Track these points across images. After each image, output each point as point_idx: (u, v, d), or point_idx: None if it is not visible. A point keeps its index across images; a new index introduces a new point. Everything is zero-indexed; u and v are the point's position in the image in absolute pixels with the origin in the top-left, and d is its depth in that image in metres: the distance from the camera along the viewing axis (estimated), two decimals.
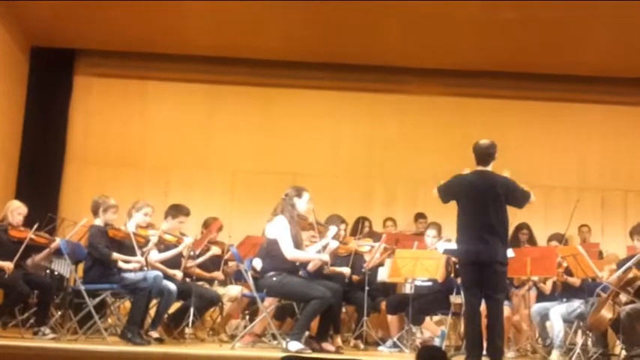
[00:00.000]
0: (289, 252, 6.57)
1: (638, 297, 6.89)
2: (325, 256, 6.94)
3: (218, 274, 7.89)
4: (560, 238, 8.06)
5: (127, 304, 7.12)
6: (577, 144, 10.33)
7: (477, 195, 6.25)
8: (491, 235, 6.16)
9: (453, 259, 7.33)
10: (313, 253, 6.91)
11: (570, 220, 7.66)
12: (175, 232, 7.29)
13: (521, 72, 10.12)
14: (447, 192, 6.41)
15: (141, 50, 10.12)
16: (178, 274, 7.23)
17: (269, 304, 7.01)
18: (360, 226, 8.85)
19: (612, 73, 10.06)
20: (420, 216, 9.58)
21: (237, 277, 8.06)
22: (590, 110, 10.39)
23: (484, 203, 6.21)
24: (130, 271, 6.75)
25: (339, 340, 7.01)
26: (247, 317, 7.80)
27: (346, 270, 7.47)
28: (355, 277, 7.66)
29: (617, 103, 10.38)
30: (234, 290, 7.85)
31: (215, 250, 7.71)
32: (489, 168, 6.37)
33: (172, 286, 6.91)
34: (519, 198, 6.31)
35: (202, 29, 9.37)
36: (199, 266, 7.70)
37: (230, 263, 8.19)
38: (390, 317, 7.78)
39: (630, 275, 6.84)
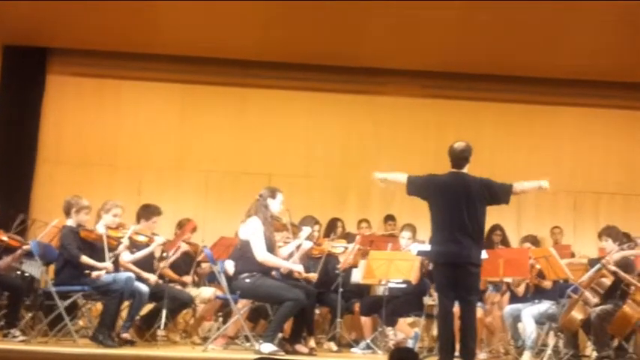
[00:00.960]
0: (260, 255, 6.54)
1: (608, 298, 6.97)
2: (299, 267, 6.92)
3: (187, 279, 7.82)
4: (533, 240, 8.12)
5: (99, 306, 7.07)
6: (551, 146, 10.40)
7: (451, 196, 6.25)
8: (465, 237, 6.18)
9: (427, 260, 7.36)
10: (285, 262, 6.85)
11: None
12: (147, 232, 7.22)
13: (496, 74, 10.18)
14: (418, 187, 6.38)
15: (115, 49, 10.02)
16: (152, 277, 7.18)
17: (242, 306, 6.99)
18: (333, 228, 8.84)
19: (587, 75, 10.13)
20: (389, 218, 9.61)
21: (211, 279, 8.02)
22: (564, 113, 10.47)
23: (458, 205, 6.22)
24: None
25: (312, 342, 6.99)
26: (220, 319, 7.76)
27: (313, 275, 7.41)
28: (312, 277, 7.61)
29: (591, 105, 10.47)
30: (207, 292, 7.80)
31: (185, 247, 7.65)
32: (464, 170, 6.39)
33: (144, 288, 6.86)
34: (500, 193, 6.30)
35: (177, 28, 9.30)
36: (171, 267, 7.65)
37: (203, 265, 8.16)
38: (363, 319, 7.81)
39: (600, 276, 6.92)
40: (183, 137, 10.25)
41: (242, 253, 6.64)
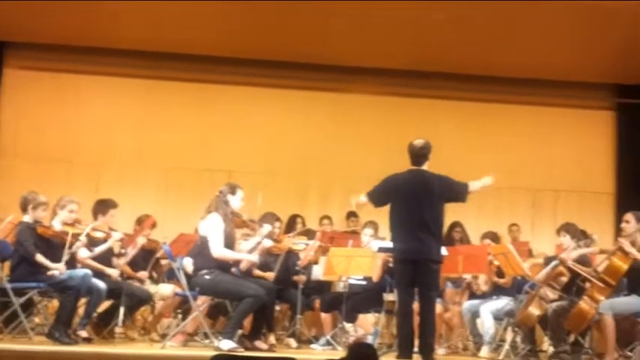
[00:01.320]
0: (217, 250, 6.49)
1: (565, 293, 7.07)
2: (254, 257, 6.90)
3: (142, 275, 7.75)
4: (493, 236, 8.19)
5: (55, 303, 6.96)
6: (510, 144, 10.50)
7: (411, 193, 6.30)
8: (425, 233, 6.23)
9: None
10: (241, 254, 6.82)
11: None
12: (104, 228, 7.13)
13: (457, 73, 10.25)
14: (381, 195, 6.42)
15: (75, 44, 9.90)
16: (115, 272, 7.10)
17: (202, 303, 6.95)
18: (293, 224, 8.83)
19: (546, 75, 10.27)
20: (351, 214, 9.62)
21: (170, 276, 7.95)
22: (523, 111, 10.58)
23: (418, 201, 6.27)
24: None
25: (272, 339, 7.00)
26: (180, 316, 7.70)
27: (269, 274, 7.41)
28: (300, 278, 7.63)
29: (550, 104, 10.59)
30: (166, 289, 7.74)
31: (142, 241, 7.58)
32: (424, 167, 6.43)
33: (102, 285, 6.78)
34: (458, 191, 6.39)
35: (138, 24, 9.23)
36: (130, 264, 7.58)
37: (163, 261, 8.09)
38: (323, 315, 7.82)
39: (556, 273, 7.01)
40: (143, 133, 10.16)
41: (201, 250, 6.59)
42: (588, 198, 10.49)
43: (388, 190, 6.40)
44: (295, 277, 7.58)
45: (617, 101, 10.72)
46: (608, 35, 9.01)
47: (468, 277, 8.05)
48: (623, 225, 6.88)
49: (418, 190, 6.30)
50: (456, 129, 10.41)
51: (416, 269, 6.24)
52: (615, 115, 10.73)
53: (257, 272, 7.36)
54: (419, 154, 6.40)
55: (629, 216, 6.86)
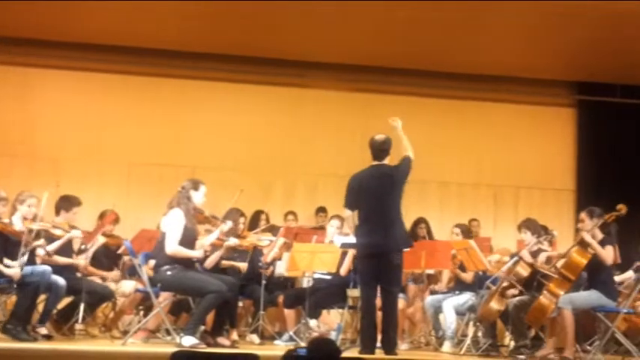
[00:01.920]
0: (170, 247, 6.43)
1: (525, 289, 7.14)
2: (199, 253, 6.81)
3: (114, 275, 7.65)
4: (464, 229, 8.26)
5: (15, 299, 6.83)
6: (472, 141, 10.58)
7: (373, 189, 6.36)
8: (388, 228, 6.29)
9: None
10: (192, 252, 6.70)
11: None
12: (64, 226, 7.03)
13: (418, 69, 10.31)
14: (351, 199, 6.44)
15: (35, 37, 9.72)
16: (82, 261, 6.99)
17: (163, 299, 6.89)
18: (257, 220, 8.81)
19: (507, 72, 10.37)
20: (320, 210, 9.63)
21: (132, 272, 7.88)
22: (485, 108, 10.66)
23: (381, 197, 6.33)
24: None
25: (235, 335, 6.96)
26: (141, 313, 7.63)
27: (243, 265, 7.40)
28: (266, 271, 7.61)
29: (512, 101, 10.69)
30: (127, 285, 7.66)
31: (101, 239, 7.49)
32: (385, 162, 6.47)
33: (62, 281, 6.68)
34: (404, 169, 6.44)
35: (97, 17, 9.10)
36: (93, 260, 7.48)
37: (125, 258, 8.01)
38: (287, 311, 7.80)
39: (517, 268, 7.08)
40: (105, 128, 10.03)
41: (163, 245, 6.53)
42: (549, 194, 10.62)
43: (354, 192, 6.45)
44: (261, 270, 7.53)
45: (577, 98, 10.86)
46: (569, 33, 9.12)
47: (431, 272, 8.13)
48: (580, 225, 6.98)
49: (380, 185, 6.36)
50: (419, 125, 10.35)
51: (379, 264, 6.29)
52: (576, 112, 10.87)
53: (226, 263, 7.31)
54: (380, 149, 6.45)
55: (583, 215, 6.96)
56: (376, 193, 6.33)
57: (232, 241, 7.27)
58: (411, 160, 6.44)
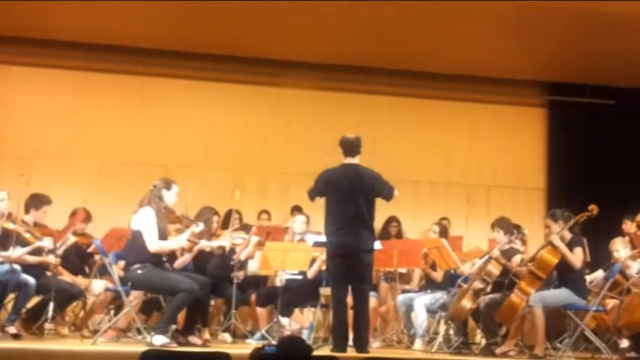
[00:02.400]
0: (153, 244, 6.40)
1: (496, 287, 7.19)
2: (184, 241, 6.78)
3: (82, 282, 7.58)
4: (442, 226, 8.31)
5: None
6: (445, 140, 10.65)
7: (345, 187, 6.37)
8: (359, 227, 6.32)
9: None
10: (175, 240, 6.72)
11: None
12: (37, 232, 6.93)
13: (391, 69, 10.34)
14: (316, 188, 6.50)
15: (4, 34, 9.61)
16: (52, 259, 6.91)
17: (134, 298, 6.84)
18: (230, 219, 8.77)
19: (479, 72, 10.44)
20: (295, 209, 9.60)
21: (103, 271, 7.81)
22: (457, 107, 10.72)
23: (353, 195, 6.34)
24: None
25: (206, 334, 6.94)
26: (112, 312, 7.57)
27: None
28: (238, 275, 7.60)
29: (483, 101, 10.76)
30: (98, 284, 7.59)
31: (72, 239, 7.41)
32: (356, 161, 6.48)
33: (31, 280, 6.62)
34: (388, 192, 6.50)
35: (71, 14, 9.01)
36: (64, 260, 7.39)
37: (95, 257, 7.94)
38: (259, 310, 7.80)
39: (489, 266, 7.13)
40: (75, 126, 9.94)
41: (133, 244, 6.48)
42: (521, 193, 10.71)
43: (322, 184, 6.47)
44: (233, 274, 7.51)
45: (548, 98, 10.96)
46: (539, 35, 9.20)
47: (403, 270, 8.16)
48: (547, 231, 7.04)
49: (352, 184, 6.38)
50: (392, 124, 10.51)
51: (350, 262, 6.31)
52: (547, 112, 10.97)
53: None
54: (352, 145, 6.49)
55: (547, 221, 7.05)
56: (346, 192, 6.36)
57: (204, 244, 7.24)
58: (394, 194, 6.49)
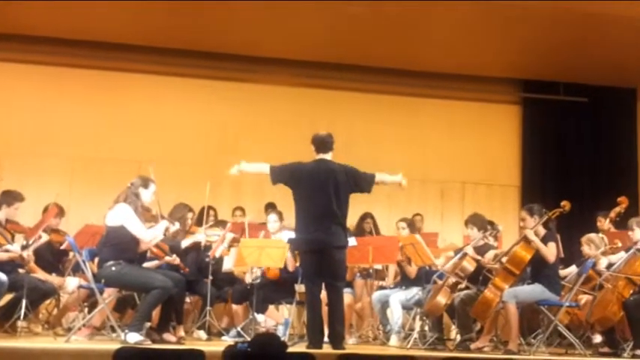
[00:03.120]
0: (145, 236, 6.44)
1: (471, 283, 7.22)
2: (161, 234, 6.77)
3: (59, 281, 7.50)
4: (409, 222, 8.31)
5: None
6: (419, 137, 10.70)
7: (317, 183, 6.36)
8: (331, 223, 6.31)
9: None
10: (157, 228, 6.71)
11: None
12: (7, 235, 6.84)
13: (367, 65, 10.36)
14: (283, 174, 6.48)
15: None
16: (24, 254, 6.82)
17: (108, 295, 6.78)
18: (205, 215, 8.72)
19: (454, 69, 10.50)
20: (269, 206, 9.57)
21: (76, 269, 7.73)
22: (432, 104, 10.78)
23: (325, 192, 6.33)
24: None
25: (181, 331, 6.90)
26: (86, 309, 7.49)
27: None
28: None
29: (458, 98, 10.83)
30: (71, 282, 7.51)
31: (45, 237, 7.33)
32: (329, 157, 6.47)
33: (3, 277, 6.52)
34: (364, 182, 6.48)
35: (40, 8, 8.90)
36: (37, 257, 7.31)
37: (69, 254, 7.85)
38: (235, 307, 7.76)
39: (464, 263, 7.16)
40: (46, 122, 9.86)
41: (107, 241, 6.42)
42: (495, 190, 10.79)
43: (291, 174, 6.45)
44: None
45: (522, 96, 11.04)
46: (514, 33, 9.28)
47: (379, 267, 8.16)
48: (522, 224, 7.09)
49: (324, 180, 6.36)
50: (367, 121, 10.52)
51: (322, 259, 6.31)
52: (521, 109, 11.06)
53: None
54: (324, 142, 6.50)
55: (523, 214, 7.08)
56: (318, 188, 6.34)
57: (186, 243, 7.30)
58: (375, 181, 6.47)
